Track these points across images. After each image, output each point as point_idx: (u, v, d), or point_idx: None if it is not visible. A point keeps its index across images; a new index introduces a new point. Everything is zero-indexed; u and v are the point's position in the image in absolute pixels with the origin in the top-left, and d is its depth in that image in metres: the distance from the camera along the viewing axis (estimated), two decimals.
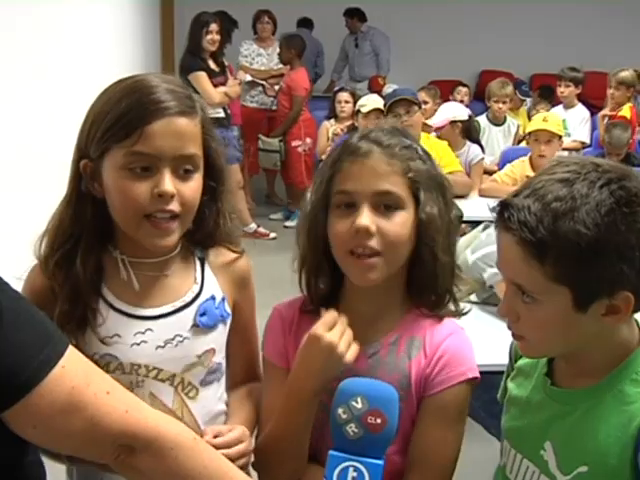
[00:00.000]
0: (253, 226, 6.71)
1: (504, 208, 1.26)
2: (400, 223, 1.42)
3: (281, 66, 7.37)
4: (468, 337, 1.54)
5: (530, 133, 4.67)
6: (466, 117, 5.20)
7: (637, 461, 1.23)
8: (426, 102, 5.91)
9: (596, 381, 1.31)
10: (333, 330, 1.40)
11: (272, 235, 6.71)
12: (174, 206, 1.42)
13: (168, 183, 1.40)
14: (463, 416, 1.48)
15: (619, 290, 1.23)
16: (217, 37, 6.11)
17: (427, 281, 1.48)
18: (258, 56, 7.40)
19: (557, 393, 1.37)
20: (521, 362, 1.48)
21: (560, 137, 4.65)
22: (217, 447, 1.40)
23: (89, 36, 4.41)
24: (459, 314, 1.55)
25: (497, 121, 6.13)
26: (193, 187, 1.45)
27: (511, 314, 1.31)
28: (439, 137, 5.07)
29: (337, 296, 1.53)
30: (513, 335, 1.35)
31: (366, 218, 1.40)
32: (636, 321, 1.34)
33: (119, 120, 1.40)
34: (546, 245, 1.20)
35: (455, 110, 5.24)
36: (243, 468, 1.45)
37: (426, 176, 1.45)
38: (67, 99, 3.55)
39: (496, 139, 6.03)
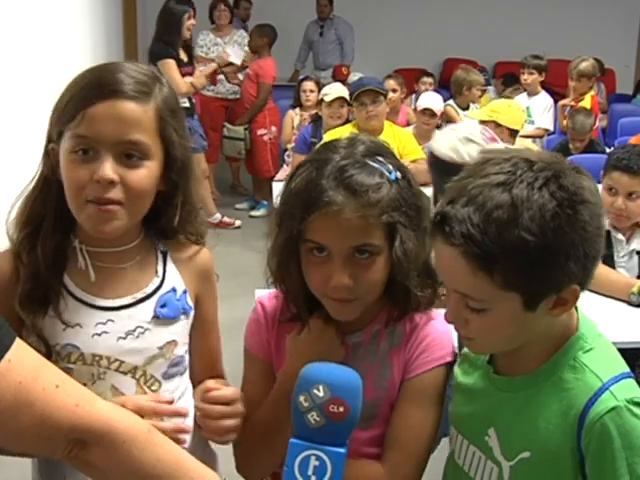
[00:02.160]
0: (218, 216, 6.68)
1: (443, 220, 1.23)
2: (376, 270, 1.41)
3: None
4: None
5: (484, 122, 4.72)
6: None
7: (580, 447, 1.26)
8: (395, 90, 5.94)
9: (536, 368, 1.33)
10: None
11: (237, 223, 6.66)
12: (115, 194, 1.39)
13: (108, 169, 1.37)
14: (441, 399, 1.49)
15: (567, 285, 1.24)
16: (193, 23, 6.15)
17: (402, 305, 1.50)
18: (214, 45, 7.35)
19: (499, 381, 1.38)
20: (467, 349, 1.48)
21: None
22: (214, 400, 1.45)
23: (51, 24, 4.36)
24: (438, 297, 1.54)
25: (464, 106, 6.25)
26: (141, 174, 1.41)
27: (459, 321, 1.31)
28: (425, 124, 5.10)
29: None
30: (461, 337, 1.36)
31: (343, 277, 1.38)
32: (575, 307, 1.35)
33: (68, 103, 1.39)
34: (493, 256, 1.19)
35: (441, 102, 5.29)
36: (234, 431, 1.48)
37: (400, 210, 1.39)
38: (29, 85, 3.51)
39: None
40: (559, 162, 1.26)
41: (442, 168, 2.63)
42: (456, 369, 1.51)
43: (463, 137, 2.68)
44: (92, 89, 1.38)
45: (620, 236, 2.99)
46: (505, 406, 1.36)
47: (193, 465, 1.23)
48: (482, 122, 4.53)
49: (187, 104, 6.15)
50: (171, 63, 5.98)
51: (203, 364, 1.64)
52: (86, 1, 5.70)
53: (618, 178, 2.90)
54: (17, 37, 3.58)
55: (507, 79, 8.17)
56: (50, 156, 1.45)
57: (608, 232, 2.98)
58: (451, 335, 1.52)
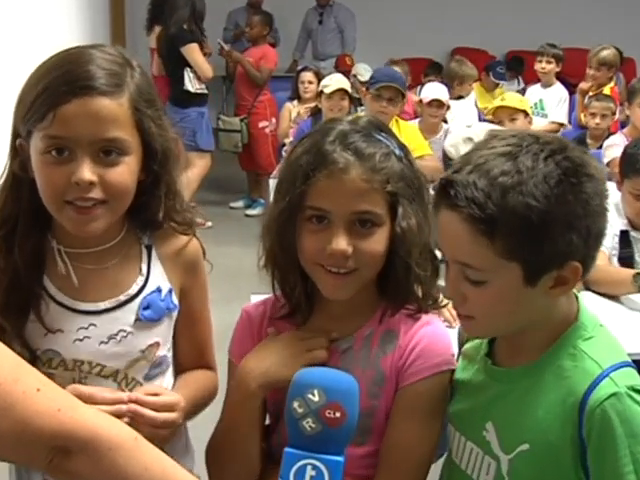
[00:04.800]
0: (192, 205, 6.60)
1: (448, 186, 1.29)
2: (377, 241, 1.43)
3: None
4: (444, 327, 1.57)
5: (494, 114, 4.81)
6: None
7: (582, 436, 1.29)
8: None
9: (536, 358, 1.37)
10: (306, 340, 1.48)
11: (209, 224, 6.42)
12: (95, 194, 1.40)
13: (85, 171, 1.38)
14: (439, 410, 1.49)
15: (569, 261, 1.29)
16: None
17: (401, 288, 1.50)
18: None
19: (498, 372, 1.42)
20: (466, 346, 1.53)
21: (526, 114, 4.72)
22: (145, 405, 1.42)
23: (32, 10, 4.36)
24: (438, 307, 1.56)
25: (455, 97, 6.31)
26: (121, 172, 1.42)
27: (457, 295, 1.35)
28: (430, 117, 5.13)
29: (309, 294, 1.53)
30: (459, 316, 1.39)
31: (342, 242, 1.40)
32: (575, 295, 1.41)
33: (36, 101, 1.38)
34: (496, 221, 1.24)
35: (447, 92, 5.35)
36: (163, 442, 1.43)
37: (405, 183, 1.44)
38: (6, 72, 3.51)
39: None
40: (565, 140, 1.35)
41: (446, 162, 2.78)
42: (456, 368, 1.52)
43: (467, 137, 2.79)
44: (61, 86, 1.37)
45: None
46: (503, 398, 1.40)
47: (182, 475, 1.22)
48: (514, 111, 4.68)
49: (205, 91, 6.45)
50: (195, 47, 6.24)
51: (189, 355, 1.66)
52: None
53: None
54: None
55: (513, 64, 8.23)
56: (19, 152, 1.45)
57: (627, 232, 3.00)
58: (449, 341, 1.53)
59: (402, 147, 1.49)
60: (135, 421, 1.40)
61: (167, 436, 1.47)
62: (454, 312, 2.38)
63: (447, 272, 1.37)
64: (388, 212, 1.43)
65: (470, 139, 2.80)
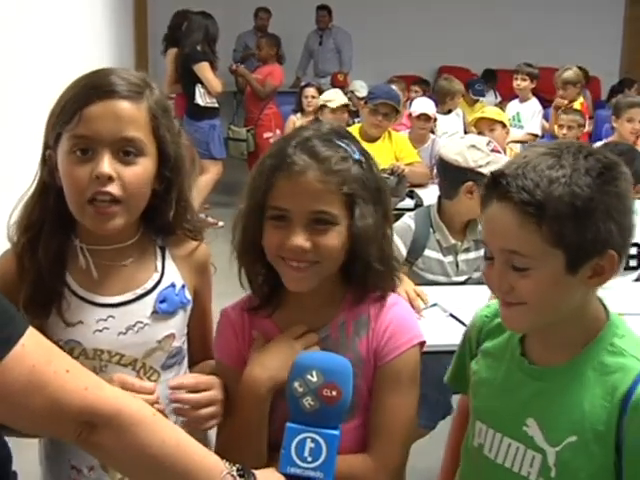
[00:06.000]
0: (201, 216, 6.55)
1: (499, 177, 1.28)
2: (333, 237, 1.40)
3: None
4: (409, 306, 1.58)
5: (475, 125, 4.86)
6: None
7: (621, 425, 1.27)
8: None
9: (572, 356, 1.33)
10: (299, 340, 1.45)
11: (220, 224, 6.36)
12: (113, 188, 1.40)
13: (105, 165, 1.39)
14: (415, 380, 1.48)
15: (607, 249, 1.26)
16: None
17: (361, 280, 1.47)
18: None
19: (536, 371, 1.37)
20: (488, 345, 1.48)
21: (504, 125, 4.74)
22: (186, 387, 1.42)
23: (62, 32, 4.37)
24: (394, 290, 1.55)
25: (445, 111, 6.28)
26: (137, 171, 1.42)
27: (504, 285, 1.31)
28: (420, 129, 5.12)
29: (279, 290, 1.50)
30: (507, 305, 1.33)
31: (300, 238, 1.37)
32: (599, 299, 1.37)
33: (65, 106, 1.41)
34: (544, 206, 1.23)
35: (434, 106, 5.34)
36: (214, 417, 1.45)
37: (361, 186, 1.41)
38: (38, 93, 3.51)
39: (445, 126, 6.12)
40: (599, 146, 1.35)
41: (448, 171, 2.83)
42: (475, 366, 1.49)
43: (470, 144, 2.79)
44: (88, 90, 1.40)
45: None
46: (543, 395, 1.35)
47: (196, 448, 1.23)
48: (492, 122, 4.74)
49: (216, 104, 6.42)
50: (206, 65, 6.25)
51: (200, 347, 1.65)
52: (98, 12, 5.72)
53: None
54: (23, 44, 3.58)
55: (486, 77, 8.24)
56: (47, 162, 1.46)
57: None
58: (414, 318, 1.54)
59: (363, 153, 1.46)
60: (181, 409, 1.40)
61: (214, 413, 1.46)
62: (406, 295, 2.41)
63: (488, 267, 1.33)
64: (346, 212, 1.40)
65: (473, 145, 2.78)
